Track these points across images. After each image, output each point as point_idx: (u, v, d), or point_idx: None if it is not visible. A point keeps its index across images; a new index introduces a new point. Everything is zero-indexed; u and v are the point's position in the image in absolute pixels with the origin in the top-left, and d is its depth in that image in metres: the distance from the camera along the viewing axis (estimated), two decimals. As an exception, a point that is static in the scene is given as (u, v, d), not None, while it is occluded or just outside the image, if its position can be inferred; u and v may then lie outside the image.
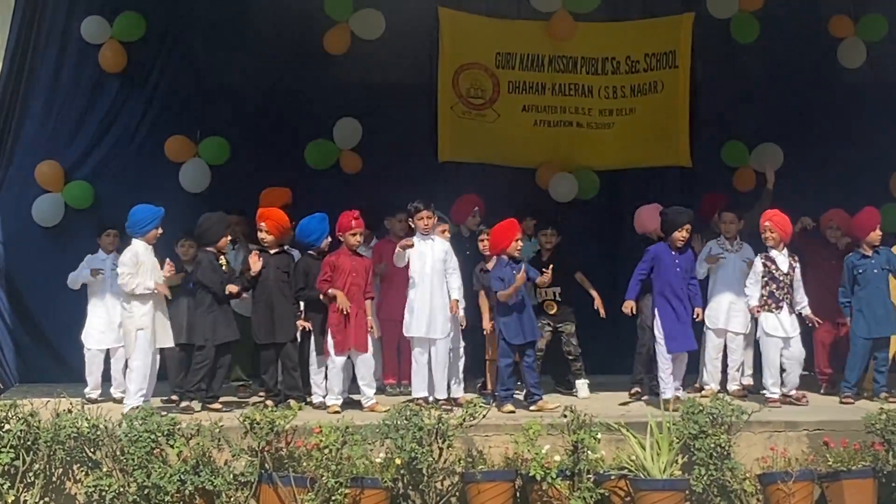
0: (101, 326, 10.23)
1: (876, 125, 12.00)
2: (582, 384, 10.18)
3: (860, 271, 9.86)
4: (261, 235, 9.77)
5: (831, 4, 12.35)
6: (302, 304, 9.75)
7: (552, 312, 10.19)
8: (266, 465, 8.02)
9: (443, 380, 9.50)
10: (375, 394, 9.53)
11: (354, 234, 9.55)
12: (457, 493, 8.28)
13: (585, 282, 10.30)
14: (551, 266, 9.57)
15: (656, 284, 9.51)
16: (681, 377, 9.67)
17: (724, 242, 10.25)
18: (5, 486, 8.03)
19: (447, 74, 12.10)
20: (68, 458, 8.16)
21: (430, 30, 12.09)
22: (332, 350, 9.38)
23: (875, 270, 9.84)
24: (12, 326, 11.23)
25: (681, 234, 9.53)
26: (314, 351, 9.68)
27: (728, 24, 12.25)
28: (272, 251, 9.73)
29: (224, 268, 9.50)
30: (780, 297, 9.64)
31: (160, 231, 9.34)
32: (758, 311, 9.65)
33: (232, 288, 9.44)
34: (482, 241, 10.00)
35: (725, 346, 10.14)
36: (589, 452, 8.06)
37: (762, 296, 9.66)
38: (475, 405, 8.33)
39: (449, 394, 9.53)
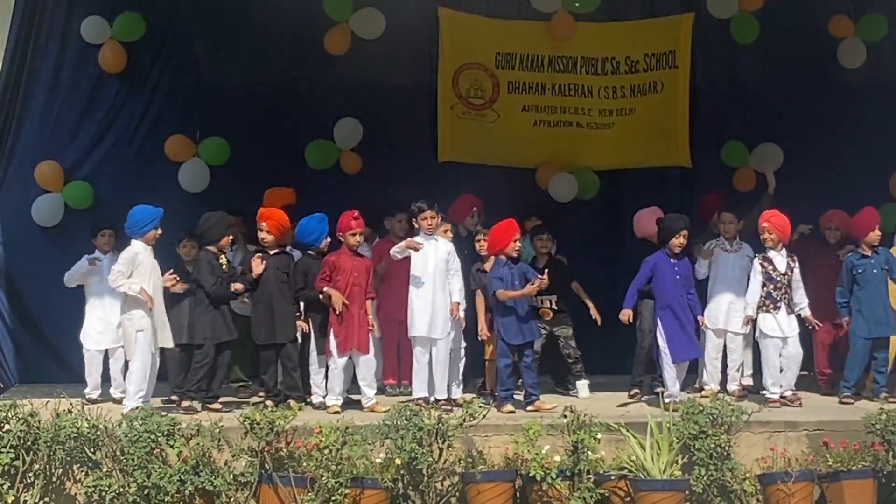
0: (99, 327, 10.22)
1: (876, 125, 12.01)
2: (582, 385, 10.19)
3: (859, 271, 9.86)
4: (261, 235, 9.76)
5: (831, 4, 12.35)
6: (302, 304, 9.75)
7: (548, 319, 10.18)
8: (266, 465, 8.02)
9: (443, 380, 9.50)
10: (375, 394, 9.52)
11: (354, 234, 9.55)
12: (457, 494, 8.28)
13: (581, 291, 10.31)
14: (546, 271, 9.55)
15: (657, 294, 9.49)
16: (681, 380, 9.67)
17: (723, 243, 10.25)
18: (5, 487, 8.03)
19: (447, 74, 12.12)
20: (68, 459, 8.16)
21: (430, 30, 12.11)
22: (334, 350, 9.38)
23: (874, 270, 9.84)
24: (12, 326, 11.22)
25: (678, 241, 9.51)
26: (314, 351, 9.68)
27: (728, 24, 12.26)
28: (272, 252, 9.73)
29: (224, 267, 9.49)
30: (778, 298, 9.63)
31: (159, 232, 9.32)
32: (749, 321, 9.67)
33: (237, 286, 9.45)
34: (479, 241, 10.00)
35: (725, 346, 10.15)
36: (589, 453, 8.05)
37: (760, 297, 9.66)
38: (475, 405, 8.32)
39: (449, 395, 9.53)
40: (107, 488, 7.96)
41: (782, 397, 9.53)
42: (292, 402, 8.63)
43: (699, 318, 9.57)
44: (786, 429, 8.60)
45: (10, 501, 8.01)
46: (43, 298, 11.15)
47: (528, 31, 12.25)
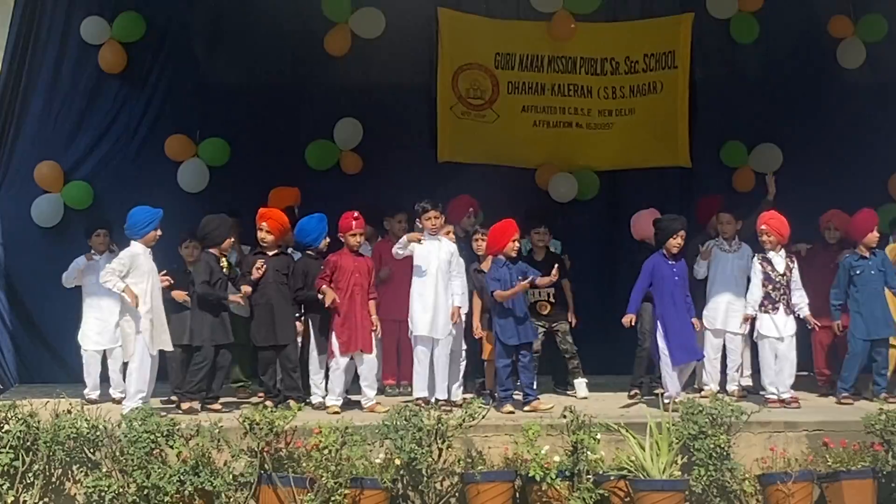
0: (97, 328, 10.22)
1: (875, 125, 12.01)
2: (580, 383, 10.17)
3: (858, 273, 9.84)
4: (261, 236, 9.75)
5: (831, 4, 12.35)
6: (301, 305, 9.75)
7: (545, 313, 10.19)
8: (265, 465, 8.01)
9: (443, 380, 9.50)
10: (375, 394, 9.52)
11: (354, 235, 9.54)
12: (456, 494, 8.28)
13: (568, 290, 10.33)
14: (557, 265, 9.59)
15: (656, 296, 9.46)
16: (684, 381, 9.66)
17: (722, 243, 10.24)
18: (5, 487, 8.02)
19: (446, 75, 12.12)
20: (68, 459, 8.15)
21: (430, 30, 12.11)
22: (336, 351, 9.38)
23: (872, 272, 9.83)
24: (12, 327, 11.24)
25: (676, 242, 9.49)
26: (314, 351, 9.68)
27: (727, 24, 12.26)
28: (270, 253, 9.72)
29: (225, 270, 9.49)
30: (777, 298, 9.63)
31: (159, 233, 9.28)
32: (747, 319, 9.67)
33: (246, 289, 9.46)
34: (476, 240, 10.00)
35: (724, 347, 10.15)
36: (588, 453, 8.06)
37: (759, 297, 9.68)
38: (474, 406, 8.32)
39: (449, 396, 9.53)
40: (106, 489, 7.96)
41: (780, 400, 9.52)
42: (292, 403, 8.62)
43: (693, 321, 9.57)
44: (785, 429, 8.60)
45: (9, 502, 8.01)
46: (42, 299, 11.16)
47: (527, 31, 12.25)
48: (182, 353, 9.53)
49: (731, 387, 10.07)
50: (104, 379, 10.27)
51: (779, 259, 9.69)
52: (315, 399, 9.65)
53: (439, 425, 8.10)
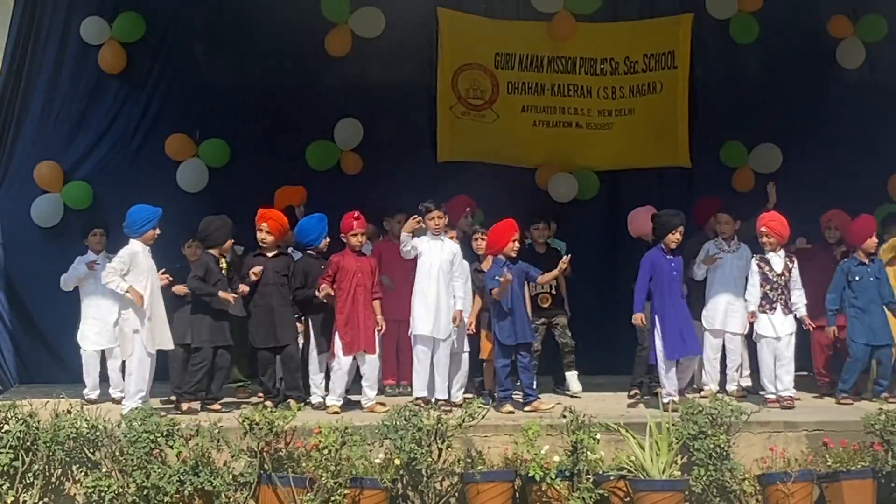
0: (95, 328, 10.22)
1: (875, 126, 12.00)
2: (572, 376, 10.15)
3: (856, 278, 9.83)
4: (261, 236, 9.74)
5: (831, 4, 12.35)
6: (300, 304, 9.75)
7: (546, 306, 10.20)
8: (265, 465, 8.01)
9: (444, 380, 9.50)
10: (375, 395, 9.52)
11: (356, 235, 9.54)
12: (456, 494, 8.28)
13: (562, 287, 10.34)
14: (569, 256, 9.62)
15: (655, 291, 9.45)
16: (686, 380, 9.65)
17: (721, 243, 10.24)
18: (5, 487, 8.03)
19: (446, 75, 12.13)
20: (67, 459, 8.15)
21: (430, 30, 12.11)
22: (339, 351, 9.37)
23: (871, 278, 9.82)
24: (11, 327, 11.24)
25: (674, 237, 9.49)
26: (314, 351, 9.67)
27: (727, 24, 12.25)
28: (269, 254, 9.72)
29: (224, 271, 9.48)
30: (775, 298, 9.63)
31: (158, 231, 9.27)
32: (753, 317, 9.67)
33: (244, 288, 9.45)
34: (476, 240, 10.00)
35: (724, 347, 10.14)
36: (588, 453, 8.06)
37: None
38: (474, 406, 8.32)
39: (449, 397, 9.53)
40: (106, 489, 7.97)
41: (779, 399, 9.52)
42: (292, 403, 8.63)
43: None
44: (785, 429, 8.60)
45: (9, 502, 8.01)
46: (42, 299, 11.16)
47: (527, 31, 12.25)
48: (184, 353, 9.53)
49: (731, 387, 10.07)
50: (104, 379, 10.27)
51: (777, 259, 9.68)
52: (315, 399, 9.65)
53: (439, 425, 8.10)
